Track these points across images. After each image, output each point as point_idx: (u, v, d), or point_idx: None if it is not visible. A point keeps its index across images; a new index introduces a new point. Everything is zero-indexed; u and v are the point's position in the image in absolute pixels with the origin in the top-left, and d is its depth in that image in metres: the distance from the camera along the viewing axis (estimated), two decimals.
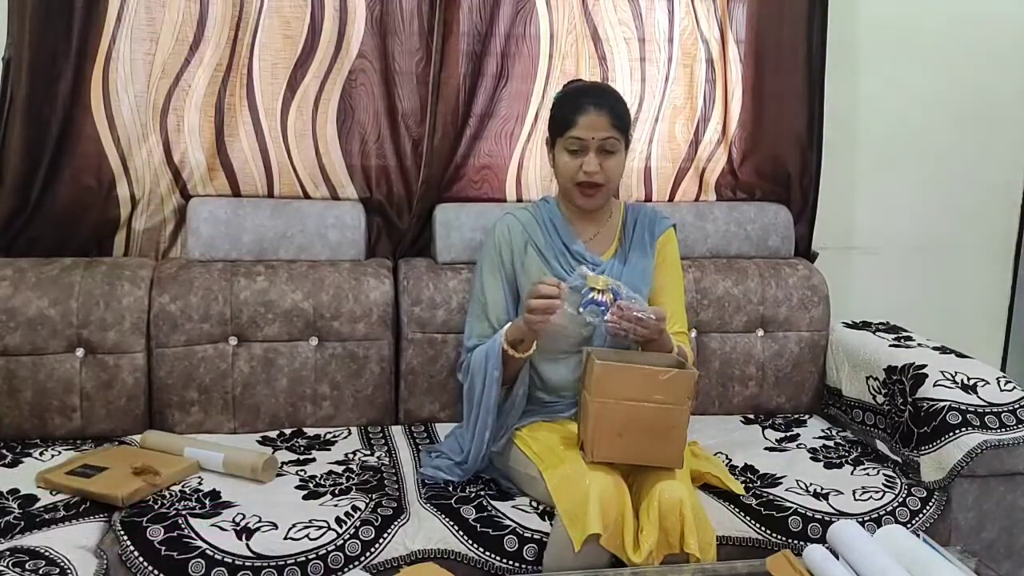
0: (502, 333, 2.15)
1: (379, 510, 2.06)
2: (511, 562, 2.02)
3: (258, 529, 1.97)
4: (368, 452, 2.37)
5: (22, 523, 1.95)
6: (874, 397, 2.54)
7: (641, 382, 1.98)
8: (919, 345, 2.58)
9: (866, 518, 2.16)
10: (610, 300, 2.02)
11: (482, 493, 2.17)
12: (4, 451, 2.28)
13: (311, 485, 2.17)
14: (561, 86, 2.43)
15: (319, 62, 2.60)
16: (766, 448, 2.49)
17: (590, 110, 2.19)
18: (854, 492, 2.24)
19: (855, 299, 3.02)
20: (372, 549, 1.99)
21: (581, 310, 2.03)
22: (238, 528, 1.97)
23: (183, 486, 2.13)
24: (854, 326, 2.77)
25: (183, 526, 1.96)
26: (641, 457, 2.00)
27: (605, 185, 2.23)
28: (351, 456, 2.34)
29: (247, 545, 1.93)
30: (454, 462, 2.23)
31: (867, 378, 2.57)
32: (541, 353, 2.20)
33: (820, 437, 2.56)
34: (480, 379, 2.17)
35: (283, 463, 2.28)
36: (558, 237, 2.29)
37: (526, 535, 2.04)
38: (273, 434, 2.46)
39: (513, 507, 2.12)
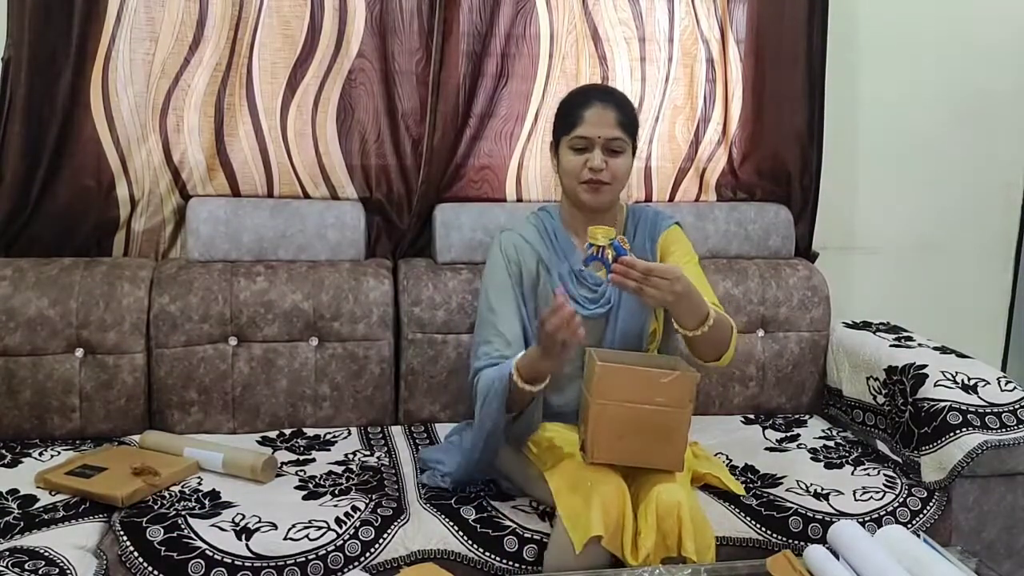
0: (513, 365, 1.96)
1: (379, 510, 2.06)
2: (511, 563, 2.02)
3: (258, 529, 1.96)
4: (368, 452, 2.37)
5: (22, 523, 1.95)
6: (874, 397, 2.54)
7: (642, 384, 1.96)
8: (919, 345, 2.58)
9: (866, 518, 2.16)
10: (611, 256, 1.89)
11: (482, 493, 2.17)
12: (4, 451, 2.28)
13: (311, 485, 2.17)
14: (564, 86, 2.41)
15: (319, 62, 2.60)
16: (766, 448, 2.49)
17: (596, 105, 2.13)
18: (854, 492, 2.24)
19: (855, 299, 3.02)
20: (372, 549, 1.99)
21: (584, 267, 1.95)
22: (238, 528, 1.97)
23: (183, 486, 2.13)
24: (854, 326, 2.77)
25: (183, 526, 1.95)
26: (641, 459, 2.00)
27: (611, 184, 2.15)
28: (351, 456, 2.34)
29: (247, 545, 1.92)
30: (442, 473, 2.21)
31: (867, 378, 2.57)
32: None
33: (820, 437, 2.56)
34: (480, 404, 2.05)
35: (283, 463, 2.28)
36: (561, 251, 2.22)
37: (526, 536, 2.04)
38: (273, 434, 2.46)
39: (513, 507, 2.12)
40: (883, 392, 2.50)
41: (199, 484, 2.15)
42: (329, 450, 2.38)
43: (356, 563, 1.95)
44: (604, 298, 2.20)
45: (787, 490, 2.24)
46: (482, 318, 2.18)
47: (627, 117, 2.17)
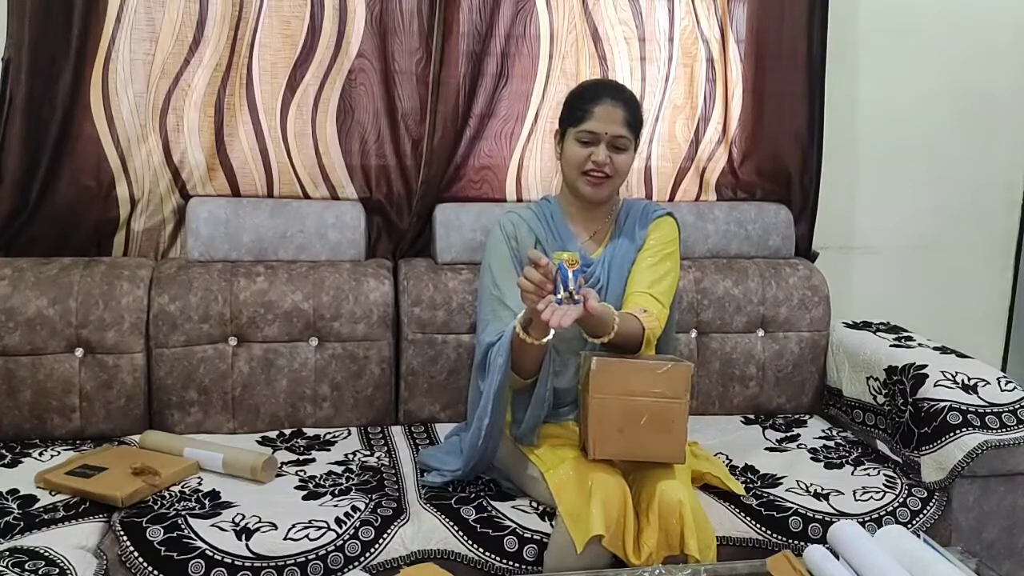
0: (516, 320, 2.00)
1: (379, 510, 2.06)
2: (511, 563, 2.02)
3: (258, 529, 1.97)
4: (368, 452, 2.37)
5: (22, 523, 1.95)
6: (874, 397, 2.54)
7: (638, 376, 1.97)
8: (919, 345, 2.58)
9: (866, 518, 2.16)
10: (559, 275, 1.87)
11: (482, 493, 2.17)
12: (4, 451, 2.28)
13: (311, 485, 2.17)
14: (563, 86, 2.41)
15: (319, 62, 2.60)
16: (766, 448, 2.49)
17: (607, 101, 2.17)
18: (854, 492, 2.24)
19: (855, 299, 3.02)
20: (372, 549, 1.99)
21: (577, 296, 1.89)
22: (238, 528, 1.97)
23: (183, 486, 2.13)
24: (854, 326, 2.77)
25: (183, 526, 1.95)
26: (643, 452, 2.00)
27: (612, 178, 2.20)
28: (351, 456, 2.34)
29: (247, 545, 1.92)
30: (450, 469, 2.20)
31: (867, 378, 2.57)
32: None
33: (820, 437, 2.56)
34: (490, 365, 2.06)
35: (283, 463, 2.28)
36: (557, 233, 2.27)
37: (526, 535, 2.04)
38: (273, 434, 2.46)
39: (513, 507, 2.12)
40: (883, 392, 2.50)
41: (199, 484, 2.15)
42: (329, 450, 2.38)
43: (356, 563, 1.96)
44: (593, 278, 2.22)
45: (787, 490, 2.24)
46: (488, 295, 2.20)
47: (634, 116, 2.21)
